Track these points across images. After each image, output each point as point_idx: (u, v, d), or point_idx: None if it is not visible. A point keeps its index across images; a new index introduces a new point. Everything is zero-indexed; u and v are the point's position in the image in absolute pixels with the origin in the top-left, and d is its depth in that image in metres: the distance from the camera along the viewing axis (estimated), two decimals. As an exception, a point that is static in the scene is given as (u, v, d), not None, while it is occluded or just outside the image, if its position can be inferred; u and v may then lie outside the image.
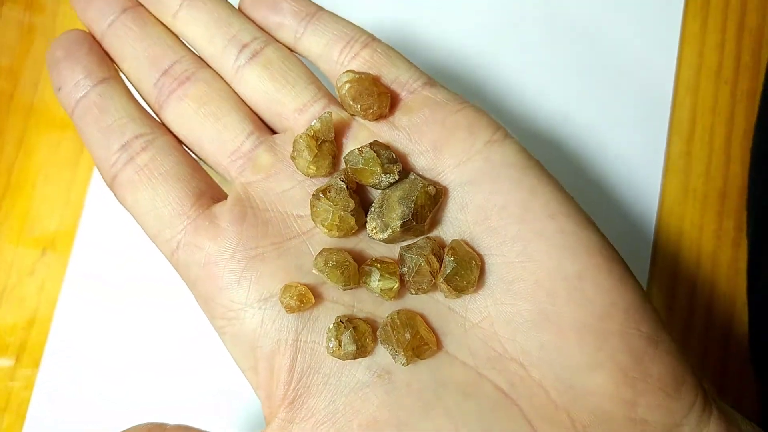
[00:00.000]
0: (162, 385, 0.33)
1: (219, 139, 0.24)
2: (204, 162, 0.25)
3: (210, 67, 0.25)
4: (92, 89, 0.24)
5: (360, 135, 0.24)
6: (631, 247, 0.34)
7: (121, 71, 0.26)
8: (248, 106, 0.25)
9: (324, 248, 0.22)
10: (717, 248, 0.34)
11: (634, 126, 0.35)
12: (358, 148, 0.22)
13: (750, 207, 0.34)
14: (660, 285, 0.34)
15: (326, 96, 0.24)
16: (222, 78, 0.25)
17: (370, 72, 0.24)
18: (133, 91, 0.25)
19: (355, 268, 0.21)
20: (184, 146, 0.25)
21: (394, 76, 0.24)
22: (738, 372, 0.33)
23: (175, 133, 0.25)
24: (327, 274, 0.21)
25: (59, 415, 0.34)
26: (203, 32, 0.25)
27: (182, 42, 0.26)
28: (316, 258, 0.21)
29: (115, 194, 0.24)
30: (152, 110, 0.25)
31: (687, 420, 0.20)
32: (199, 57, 0.26)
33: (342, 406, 0.20)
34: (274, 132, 0.25)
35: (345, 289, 0.21)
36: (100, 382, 0.34)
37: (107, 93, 0.24)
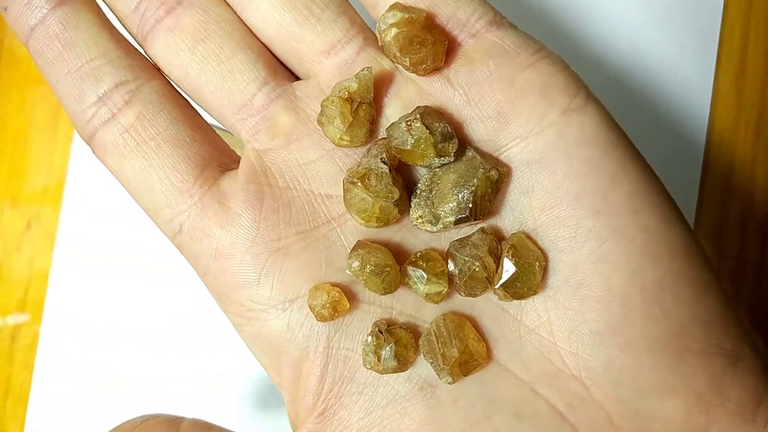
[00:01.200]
0: (163, 356, 0.31)
1: (224, 88, 0.19)
2: (208, 113, 0.20)
3: None
4: (50, 13, 0.18)
5: (405, 92, 0.18)
6: (678, 185, 0.31)
7: None
8: (261, 42, 0.19)
9: (359, 242, 0.18)
10: None
11: (680, 52, 0.31)
12: (406, 122, 0.17)
13: None
14: (708, 226, 0.31)
15: (362, 32, 0.19)
16: (228, 6, 0.19)
17: (422, 7, 0.18)
18: (109, 14, 0.20)
19: (396, 273, 0.18)
20: (180, 91, 0.20)
21: (452, 11, 0.18)
22: None
23: (166, 74, 0.19)
24: (364, 281, 0.17)
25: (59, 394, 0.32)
26: None
27: None
28: (350, 256, 0.18)
29: (94, 154, 0.19)
30: (136, 41, 0.20)
31: None
32: None
33: (379, 420, 0.18)
34: (294, 75, 0.20)
35: (384, 294, 0.18)
36: (97, 363, 0.32)
37: (72, 20, 0.19)
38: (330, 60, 0.19)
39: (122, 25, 0.20)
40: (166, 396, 0.31)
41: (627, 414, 0.18)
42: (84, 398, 0.32)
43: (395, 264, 0.18)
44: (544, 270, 0.18)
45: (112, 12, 0.20)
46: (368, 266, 0.17)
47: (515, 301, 0.18)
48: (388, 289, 0.17)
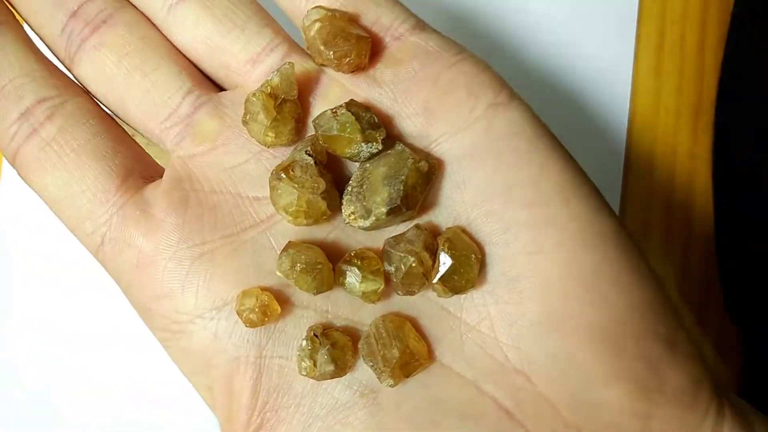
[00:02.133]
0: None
1: (148, 99, 0.18)
2: (133, 128, 0.19)
3: (133, 8, 0.19)
4: None
5: (331, 92, 0.18)
6: (602, 173, 0.30)
7: (18, 13, 0.19)
8: (186, 57, 0.19)
9: (289, 243, 0.17)
10: (692, 169, 0.31)
11: (599, 42, 0.32)
12: (332, 110, 0.17)
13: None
14: (633, 210, 0.31)
15: (286, 41, 0.19)
16: (152, 24, 0.19)
17: (345, 10, 0.18)
18: (35, 39, 0.19)
19: (329, 270, 0.17)
20: (105, 109, 0.19)
21: (375, 16, 0.18)
22: (718, 298, 0.31)
23: (93, 93, 0.19)
24: (295, 280, 0.16)
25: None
26: None
27: None
28: (280, 257, 0.17)
29: (19, 175, 0.18)
30: (63, 65, 0.19)
31: (703, 427, 0.18)
32: None
33: None
34: (220, 89, 0.19)
35: (317, 294, 0.17)
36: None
37: None
38: (255, 69, 0.19)
39: (49, 49, 0.20)
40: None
41: (574, 405, 0.17)
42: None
43: (327, 262, 0.17)
44: (481, 263, 0.17)
45: (39, 37, 0.20)
46: (298, 264, 0.16)
47: (455, 299, 0.18)
48: (320, 287, 0.17)
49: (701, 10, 0.31)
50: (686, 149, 0.31)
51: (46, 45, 0.20)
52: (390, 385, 0.17)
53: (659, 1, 0.32)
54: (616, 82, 0.31)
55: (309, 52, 0.18)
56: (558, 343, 0.17)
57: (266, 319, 0.16)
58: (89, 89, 0.19)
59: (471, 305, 0.18)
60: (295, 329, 0.17)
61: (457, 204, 0.18)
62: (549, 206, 0.17)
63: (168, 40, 0.19)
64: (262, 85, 0.17)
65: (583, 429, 0.17)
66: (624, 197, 0.31)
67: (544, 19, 0.31)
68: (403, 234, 0.17)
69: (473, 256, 0.17)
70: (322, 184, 0.17)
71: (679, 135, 0.31)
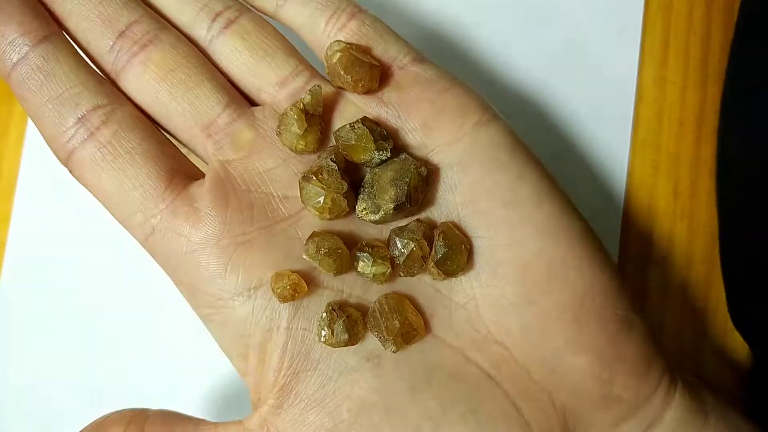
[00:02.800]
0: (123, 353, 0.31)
1: (192, 110, 0.21)
2: (172, 137, 0.22)
3: (176, 31, 0.22)
4: (32, 50, 0.21)
5: (347, 110, 0.22)
6: (603, 183, 0.31)
7: (66, 31, 0.22)
8: (222, 75, 0.22)
9: (314, 232, 0.20)
10: (695, 178, 0.30)
11: (602, 52, 0.31)
12: (350, 124, 0.20)
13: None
14: (636, 226, 0.30)
15: (308, 69, 0.22)
16: (194, 46, 0.22)
17: (360, 43, 0.22)
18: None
19: (347, 255, 0.20)
20: (152, 118, 0.22)
21: (383, 50, 0.22)
22: (723, 306, 0.29)
23: (138, 104, 0.22)
24: (319, 262, 0.20)
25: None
26: (173, 0, 0.22)
27: (140, 0, 0.22)
28: (307, 243, 0.20)
29: (71, 173, 0.21)
30: (108, 78, 0.22)
31: (656, 395, 0.21)
32: (162, 19, 0.22)
33: (332, 391, 0.20)
34: (251, 104, 0.23)
35: (336, 276, 0.21)
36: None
37: (52, 54, 0.21)
38: (283, 90, 0.22)
39: (95, 64, 0.22)
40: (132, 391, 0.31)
41: (544, 371, 0.21)
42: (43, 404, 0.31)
43: (345, 248, 0.20)
44: (469, 252, 0.21)
45: (86, 53, 0.22)
46: (323, 249, 0.20)
47: (446, 282, 0.21)
48: (340, 269, 0.20)
49: (705, 21, 0.31)
50: (689, 158, 0.30)
51: (92, 60, 0.22)
52: (393, 351, 0.20)
53: (663, 12, 0.31)
54: (620, 92, 0.31)
55: (329, 76, 0.22)
56: (531, 318, 0.21)
57: (296, 294, 0.20)
58: (134, 100, 0.22)
59: (460, 288, 0.21)
60: (316, 306, 0.20)
61: (449, 203, 0.21)
62: (524, 206, 0.21)
63: (207, 59, 0.22)
64: (296, 102, 0.21)
65: (552, 391, 0.21)
66: (627, 205, 0.30)
67: (549, 29, 0.32)
68: (406, 225, 0.21)
69: (462, 245, 0.21)
70: (344, 186, 0.20)
71: (683, 144, 0.30)
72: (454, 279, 0.21)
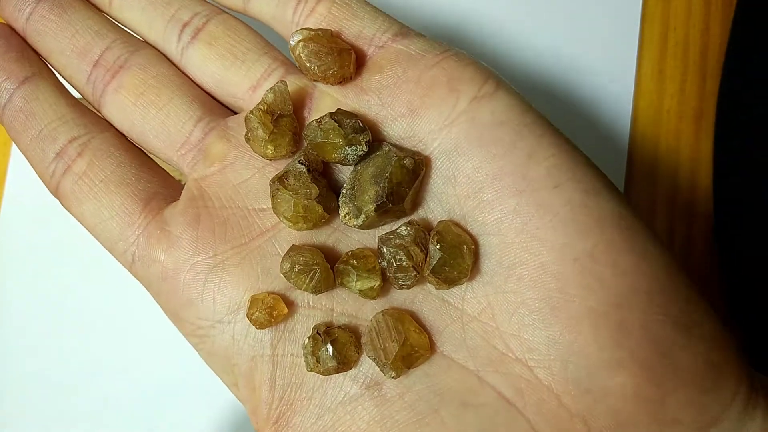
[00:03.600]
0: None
1: (164, 130, 0.20)
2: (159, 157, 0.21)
3: (148, 49, 0.21)
4: (15, 92, 0.20)
5: (323, 104, 0.19)
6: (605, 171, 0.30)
7: (53, 68, 0.22)
8: (201, 88, 0.21)
9: (293, 246, 0.18)
10: (694, 171, 0.30)
11: (601, 45, 0.31)
12: (316, 120, 0.18)
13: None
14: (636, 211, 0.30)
15: (284, 65, 0.20)
16: (166, 60, 0.21)
17: (329, 28, 0.19)
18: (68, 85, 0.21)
19: (327, 270, 0.17)
20: (133, 142, 0.21)
21: (358, 29, 0.19)
22: (720, 300, 0.29)
23: (120, 130, 0.21)
24: (293, 281, 0.17)
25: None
26: (141, 17, 0.21)
27: (113, 24, 0.21)
28: (282, 259, 0.18)
29: (64, 207, 0.21)
30: (94, 108, 0.21)
31: (727, 414, 0.17)
32: (137, 38, 0.21)
33: (330, 423, 0.17)
34: (232, 113, 0.21)
35: (318, 294, 0.18)
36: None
37: (32, 95, 0.21)
38: (257, 93, 0.20)
39: (82, 96, 0.22)
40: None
41: (576, 393, 0.17)
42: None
43: (324, 263, 0.17)
44: (476, 254, 0.17)
45: (71, 86, 0.22)
46: (296, 266, 0.17)
47: (455, 290, 0.18)
48: (319, 287, 0.17)
49: (704, 14, 0.31)
50: (688, 152, 0.30)
51: (78, 92, 0.22)
52: (392, 377, 0.17)
53: (662, 5, 0.31)
54: (618, 86, 0.31)
55: (300, 70, 0.19)
56: (557, 330, 0.17)
57: (273, 320, 0.17)
58: (117, 126, 0.21)
59: (471, 296, 0.18)
60: (302, 328, 0.18)
61: (449, 198, 0.18)
62: (539, 192, 0.17)
63: (180, 74, 0.21)
64: (258, 103, 0.18)
65: (588, 417, 0.16)
66: (627, 194, 0.30)
67: (547, 23, 0.31)
68: (395, 231, 0.18)
69: (465, 246, 0.17)
70: (314, 190, 0.18)
71: (682, 138, 0.30)
72: (463, 286, 0.18)
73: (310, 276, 0.17)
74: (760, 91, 0.27)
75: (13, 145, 0.33)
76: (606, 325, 0.16)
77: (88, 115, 0.21)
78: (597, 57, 0.31)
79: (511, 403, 0.17)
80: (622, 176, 0.30)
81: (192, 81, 0.21)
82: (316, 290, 0.17)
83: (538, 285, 0.17)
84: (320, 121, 0.18)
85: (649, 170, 0.30)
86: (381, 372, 0.17)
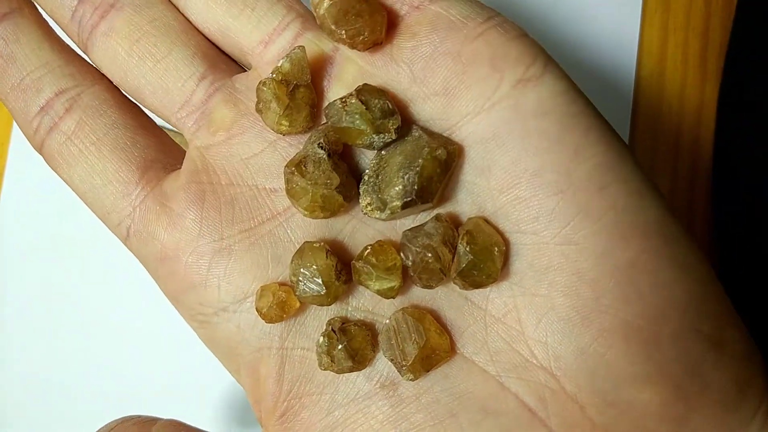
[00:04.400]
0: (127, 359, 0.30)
1: (162, 87, 0.18)
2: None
3: None
4: None
5: (347, 73, 0.17)
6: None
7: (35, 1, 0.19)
8: (203, 36, 0.18)
9: (305, 244, 0.16)
10: (693, 179, 0.30)
11: (601, 48, 0.30)
12: (341, 100, 0.16)
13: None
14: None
15: (300, 17, 0.17)
16: (162, 2, 0.18)
17: None
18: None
19: (336, 289, 0.16)
20: (125, 95, 0.19)
21: None
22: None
23: (111, 79, 0.18)
24: (298, 295, 0.16)
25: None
26: None
27: None
28: (292, 261, 0.16)
29: (48, 165, 0.18)
30: (80, 50, 0.19)
31: (747, 430, 0.16)
32: None
33: (342, 419, 0.17)
34: (241, 66, 0.18)
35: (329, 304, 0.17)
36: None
37: (12, 35, 0.18)
38: (269, 50, 0.17)
39: (66, 34, 0.19)
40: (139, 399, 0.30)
41: (601, 405, 0.16)
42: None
43: (332, 276, 0.16)
44: (506, 255, 0.16)
45: (55, 22, 0.19)
46: (302, 275, 0.16)
47: (479, 290, 0.17)
48: (323, 303, 0.16)
49: (704, 18, 0.31)
50: (688, 154, 0.30)
51: (62, 29, 0.19)
52: (410, 380, 0.16)
53: (662, 9, 0.31)
54: (618, 88, 0.30)
55: (323, 31, 0.17)
56: (587, 340, 0.16)
57: (284, 315, 0.16)
58: (106, 74, 0.19)
59: (497, 297, 0.16)
60: (315, 321, 0.17)
61: (481, 191, 0.16)
62: (582, 193, 0.16)
63: (181, 19, 0.18)
64: (272, 72, 0.16)
65: (611, 430, 0.16)
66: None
67: (547, 25, 0.30)
68: (422, 226, 0.16)
69: (496, 249, 0.16)
70: (335, 179, 0.16)
71: (681, 140, 0.30)
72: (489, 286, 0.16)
73: (313, 297, 0.16)
74: (761, 91, 0.27)
75: (11, 141, 0.31)
76: (638, 339, 0.15)
77: (77, 62, 0.18)
78: (596, 59, 0.31)
79: (533, 412, 0.16)
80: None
81: (193, 27, 0.18)
82: (322, 303, 0.16)
83: (572, 292, 0.16)
84: (345, 102, 0.15)
85: (649, 174, 0.31)
86: (398, 372, 0.16)
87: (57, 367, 0.31)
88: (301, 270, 0.16)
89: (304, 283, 0.16)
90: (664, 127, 0.30)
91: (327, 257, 0.16)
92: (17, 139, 0.31)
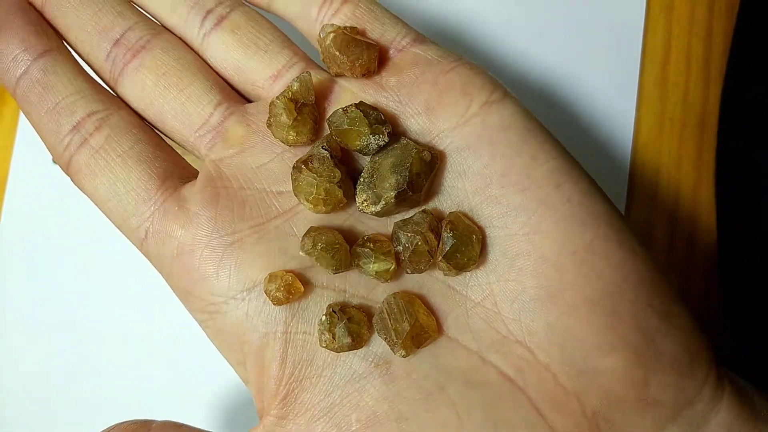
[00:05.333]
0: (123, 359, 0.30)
1: (183, 111, 0.20)
2: (171, 139, 0.21)
3: (169, 33, 0.21)
4: (33, 64, 0.20)
5: (343, 98, 0.20)
6: (605, 187, 0.30)
7: (69, 45, 0.21)
8: (217, 73, 0.21)
9: (311, 228, 0.19)
10: (697, 181, 0.30)
11: (605, 53, 0.31)
12: (343, 108, 0.18)
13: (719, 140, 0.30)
14: (637, 224, 0.31)
15: (303, 59, 0.21)
16: (187, 46, 0.21)
17: (354, 26, 0.20)
18: (83, 64, 0.21)
19: (346, 250, 0.18)
20: (146, 122, 0.21)
21: (380, 33, 0.20)
22: (719, 310, 0.30)
23: (135, 109, 0.21)
24: (316, 258, 0.18)
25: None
26: (164, 1, 0.21)
27: (134, 7, 0.21)
28: (303, 238, 0.18)
29: (72, 181, 0.20)
30: (108, 86, 0.21)
31: (700, 397, 0.18)
32: (157, 23, 0.21)
33: (339, 399, 0.18)
34: (247, 101, 0.21)
35: (335, 273, 0.19)
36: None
37: (51, 67, 0.20)
38: (277, 83, 0.20)
39: (95, 72, 0.22)
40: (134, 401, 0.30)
41: (572, 373, 0.18)
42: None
43: (344, 243, 0.18)
44: (483, 244, 0.19)
45: (87, 63, 0.22)
46: (319, 244, 0.18)
47: (460, 278, 0.19)
48: (339, 266, 0.18)
49: (707, 22, 0.31)
50: (691, 161, 0.30)
51: (93, 70, 0.21)
52: (402, 356, 0.18)
53: (665, 14, 0.31)
54: (621, 96, 0.31)
55: (324, 61, 0.20)
56: (555, 315, 0.18)
57: (290, 297, 0.18)
58: (131, 105, 0.21)
59: (475, 283, 0.19)
60: (316, 307, 0.19)
61: (459, 191, 0.19)
62: (541, 190, 0.18)
63: (200, 58, 0.21)
64: (284, 91, 0.19)
65: (582, 395, 0.18)
66: (628, 208, 0.30)
67: (550, 32, 0.31)
68: (410, 218, 0.19)
69: (474, 236, 0.18)
70: (338, 174, 0.18)
71: (684, 146, 0.30)
72: (468, 274, 0.19)
73: (332, 254, 0.18)
74: (763, 91, 0.28)
75: (15, 150, 0.32)
76: (600, 312, 0.18)
77: (105, 92, 0.21)
78: (599, 64, 0.31)
79: (512, 382, 0.18)
80: (624, 185, 0.30)
81: (210, 66, 0.21)
82: (336, 269, 0.18)
83: (539, 274, 0.18)
84: (346, 110, 0.18)
85: (651, 179, 0.30)
86: (390, 351, 0.18)
87: (56, 369, 0.30)
88: (315, 236, 0.18)
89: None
90: (667, 132, 0.30)
91: (333, 233, 0.18)
92: (21, 146, 0.32)
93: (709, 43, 0.31)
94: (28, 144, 0.32)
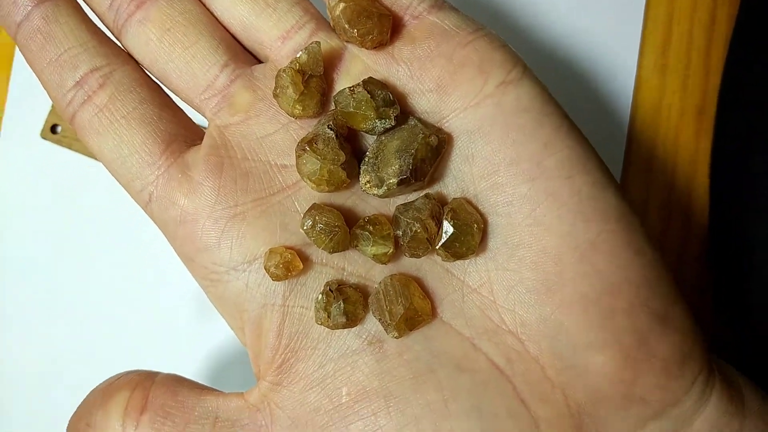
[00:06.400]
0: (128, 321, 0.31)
1: (188, 71, 0.19)
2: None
3: None
4: (34, 10, 0.19)
5: (354, 68, 0.19)
6: None
7: None
8: (225, 30, 0.20)
9: (313, 205, 0.18)
10: (692, 170, 0.30)
11: (603, 37, 0.30)
12: (349, 88, 0.18)
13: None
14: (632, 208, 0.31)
15: (314, 19, 0.19)
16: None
17: None
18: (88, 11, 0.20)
19: (345, 233, 0.18)
20: (152, 77, 0.20)
21: None
22: (712, 301, 0.30)
23: (140, 63, 0.20)
24: (314, 239, 0.18)
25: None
26: None
27: None
28: (304, 216, 0.18)
29: (78, 135, 0.20)
30: (113, 35, 0.20)
31: (688, 396, 0.18)
32: None
33: (331, 372, 0.19)
34: (256, 59, 0.20)
35: (333, 253, 0.19)
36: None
37: (52, 15, 0.19)
38: (285, 45, 0.19)
39: (101, 21, 0.21)
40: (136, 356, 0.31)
41: (560, 367, 0.18)
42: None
43: (344, 225, 0.18)
44: (484, 232, 0.18)
45: (91, 9, 0.21)
46: (318, 225, 0.18)
47: (458, 263, 0.19)
48: (336, 248, 0.18)
49: (710, 9, 0.30)
50: (689, 150, 0.30)
51: (98, 16, 0.21)
52: (395, 337, 0.18)
53: (666, 2, 0.30)
54: (620, 79, 0.30)
55: (333, 29, 0.19)
56: (549, 309, 0.18)
57: (289, 273, 0.18)
58: (136, 58, 0.20)
59: (474, 269, 0.19)
60: (314, 283, 0.19)
61: (465, 176, 0.19)
62: (551, 181, 0.18)
63: (207, 13, 0.20)
64: (291, 62, 0.18)
65: (567, 388, 0.18)
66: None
67: (550, 14, 0.31)
68: (413, 202, 0.18)
69: (475, 225, 0.18)
70: (342, 156, 0.18)
71: (681, 135, 0.30)
72: (467, 260, 0.19)
73: (330, 237, 0.18)
74: (762, 87, 0.27)
75: (2, 130, 0.32)
76: (595, 309, 0.18)
77: (110, 44, 0.20)
78: (598, 49, 0.30)
79: (501, 371, 0.18)
80: (618, 171, 0.30)
81: (217, 22, 0.20)
82: (333, 250, 0.18)
83: (538, 267, 0.18)
84: (353, 90, 0.17)
85: (646, 166, 0.30)
86: (384, 331, 0.18)
87: (56, 367, 0.31)
88: (315, 216, 0.18)
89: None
90: (664, 119, 0.30)
91: (333, 214, 0.18)
92: (7, 131, 0.32)
93: (711, 30, 0.30)
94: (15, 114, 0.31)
